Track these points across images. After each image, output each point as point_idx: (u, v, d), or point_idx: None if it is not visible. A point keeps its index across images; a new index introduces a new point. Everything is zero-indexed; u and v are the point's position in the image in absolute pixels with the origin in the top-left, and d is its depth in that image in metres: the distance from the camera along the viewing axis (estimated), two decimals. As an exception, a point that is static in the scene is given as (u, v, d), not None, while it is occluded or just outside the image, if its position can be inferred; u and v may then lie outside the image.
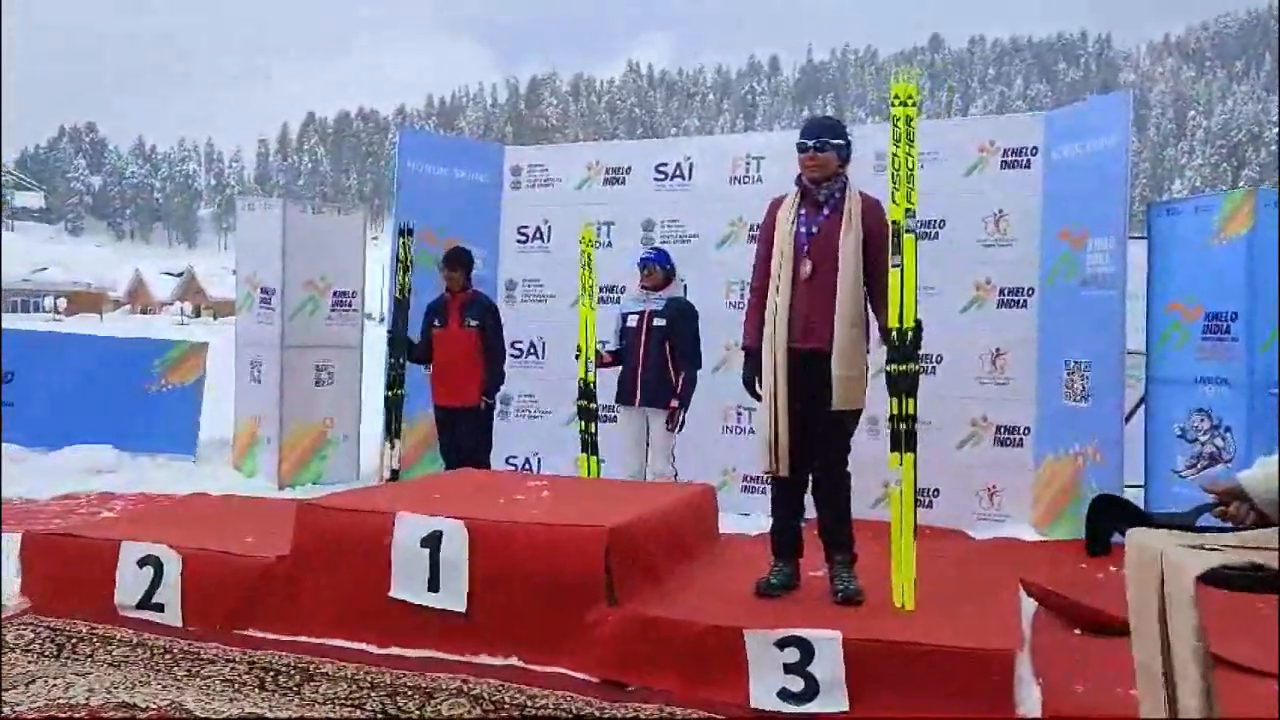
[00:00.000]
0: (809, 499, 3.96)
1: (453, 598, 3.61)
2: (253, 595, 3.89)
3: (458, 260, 6.30)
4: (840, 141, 3.88)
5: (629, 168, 7.25)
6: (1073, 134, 5.96)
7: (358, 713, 3.10)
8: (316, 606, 3.79)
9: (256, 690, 3.27)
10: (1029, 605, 4.05)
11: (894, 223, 3.70)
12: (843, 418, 3.80)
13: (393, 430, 6.50)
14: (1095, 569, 4.59)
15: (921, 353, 3.77)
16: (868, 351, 3.88)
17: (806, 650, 3.17)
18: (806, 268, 3.80)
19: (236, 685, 3.30)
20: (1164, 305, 5.74)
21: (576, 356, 5.83)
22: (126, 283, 79.67)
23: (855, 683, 3.12)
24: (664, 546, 4.03)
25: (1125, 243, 5.55)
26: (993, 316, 6.24)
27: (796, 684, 3.16)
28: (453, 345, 6.21)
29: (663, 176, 7.13)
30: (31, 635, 3.74)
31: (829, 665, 3.15)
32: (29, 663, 3.47)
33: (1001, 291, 6.25)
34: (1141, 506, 5.34)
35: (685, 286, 6.01)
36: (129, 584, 4.03)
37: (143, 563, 4.02)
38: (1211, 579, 1.97)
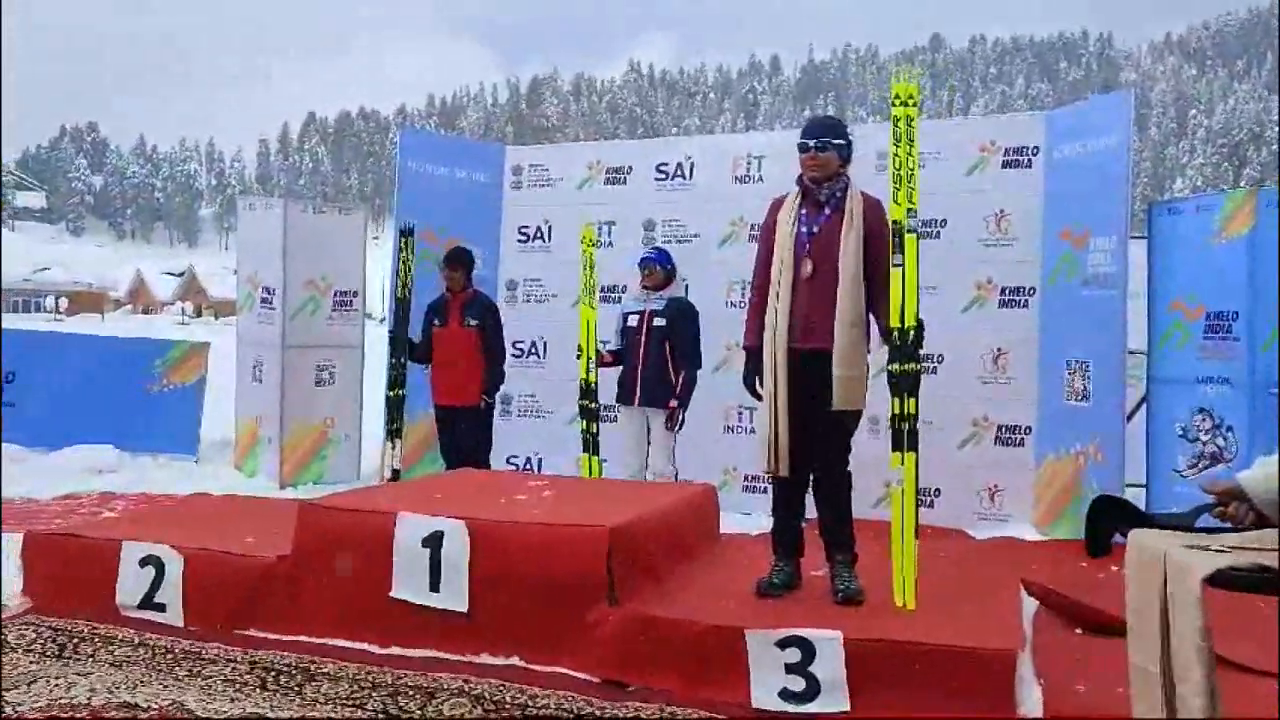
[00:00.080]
0: (810, 499, 3.96)
1: (454, 598, 3.61)
2: (254, 595, 3.89)
3: (458, 260, 6.30)
4: (841, 141, 3.88)
5: (630, 167, 7.25)
6: (1074, 133, 5.96)
7: (359, 712, 3.11)
8: (318, 606, 3.79)
9: (258, 690, 3.27)
10: (1030, 605, 4.06)
11: (895, 222, 3.70)
12: (843, 418, 3.80)
13: (394, 430, 6.51)
14: (1096, 569, 4.59)
15: (923, 352, 3.77)
16: (868, 351, 3.88)
17: (807, 650, 3.17)
18: (807, 268, 3.81)
19: (238, 685, 3.31)
20: (1165, 305, 5.74)
21: (578, 356, 5.83)
22: (128, 283, 79.72)
23: (856, 682, 3.12)
24: (665, 546, 4.03)
25: (1126, 242, 5.54)
26: (994, 316, 6.23)
27: (798, 684, 3.16)
28: (453, 344, 6.22)
29: (664, 176, 7.13)
30: (33, 635, 3.74)
31: (830, 665, 3.15)
32: (30, 663, 3.47)
33: (1003, 291, 6.24)
34: (1143, 506, 5.38)
35: (686, 286, 6.00)
36: (130, 584, 4.03)
37: (144, 563, 4.03)
38: (1215, 580, 1.97)
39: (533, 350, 7.41)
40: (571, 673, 3.42)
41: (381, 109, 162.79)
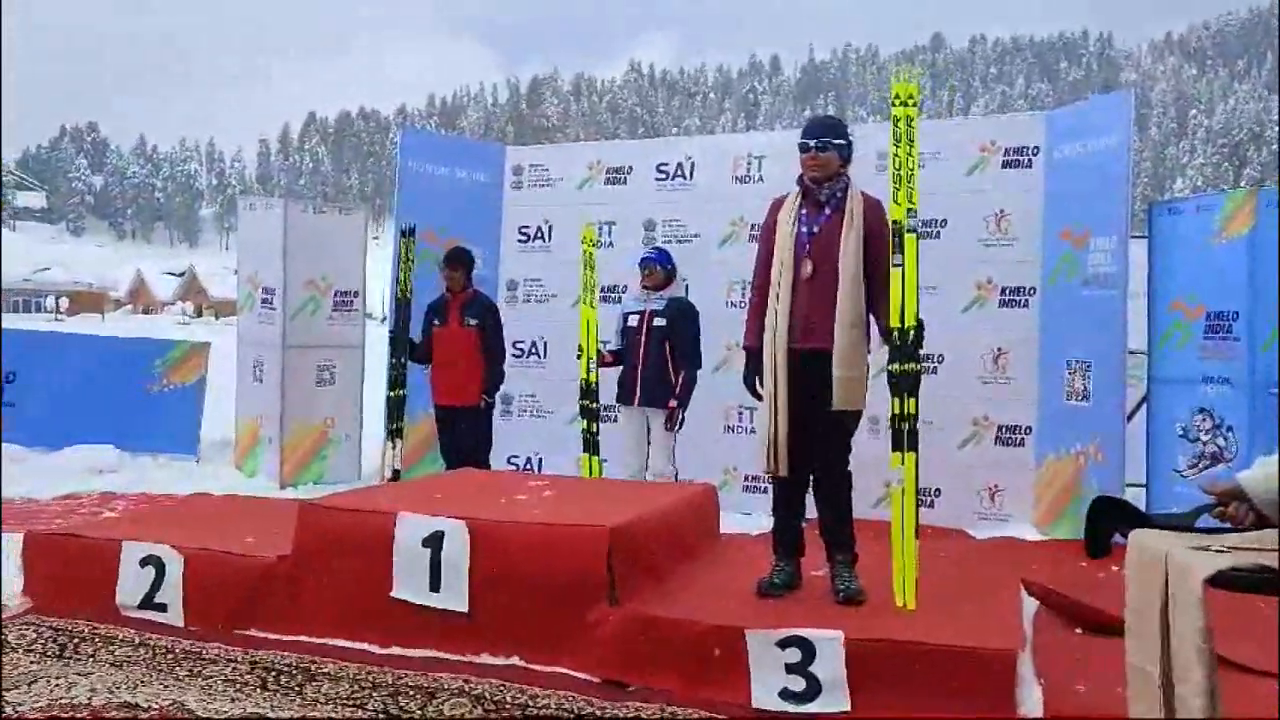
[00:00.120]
0: (810, 499, 3.96)
1: (454, 598, 3.62)
2: (254, 595, 3.89)
3: (458, 260, 6.31)
4: (842, 141, 3.88)
5: (630, 167, 7.25)
6: (1074, 133, 5.96)
7: (359, 712, 3.11)
8: (318, 606, 3.79)
9: (258, 690, 3.27)
10: (1030, 605, 4.06)
11: (895, 222, 3.70)
12: (843, 418, 3.80)
13: (394, 430, 6.51)
14: (1097, 568, 4.58)
15: (923, 352, 3.77)
16: (869, 351, 3.87)
17: (808, 650, 3.17)
18: (807, 268, 3.81)
19: (238, 685, 3.31)
20: (1166, 304, 5.74)
21: (578, 356, 5.84)
22: (128, 283, 79.75)
23: (857, 682, 3.13)
24: (665, 546, 4.03)
25: (1127, 242, 5.54)
26: (994, 316, 6.23)
27: (798, 684, 3.16)
28: (452, 344, 6.22)
29: (664, 176, 7.13)
30: (34, 635, 3.74)
31: (830, 665, 3.15)
32: (31, 663, 3.47)
33: (1003, 291, 6.24)
34: (1143, 506, 5.38)
35: (687, 286, 6.00)
36: (131, 584, 4.03)
37: (144, 563, 4.03)
38: (1217, 580, 1.97)
39: (533, 350, 7.41)
40: (572, 673, 3.42)
41: (382, 109, 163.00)
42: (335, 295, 7.49)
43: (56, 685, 3.25)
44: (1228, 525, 2.20)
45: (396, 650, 3.62)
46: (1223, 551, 2.05)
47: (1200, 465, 5.48)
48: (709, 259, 6.78)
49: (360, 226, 7.80)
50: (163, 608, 3.97)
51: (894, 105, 3.76)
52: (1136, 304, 5.72)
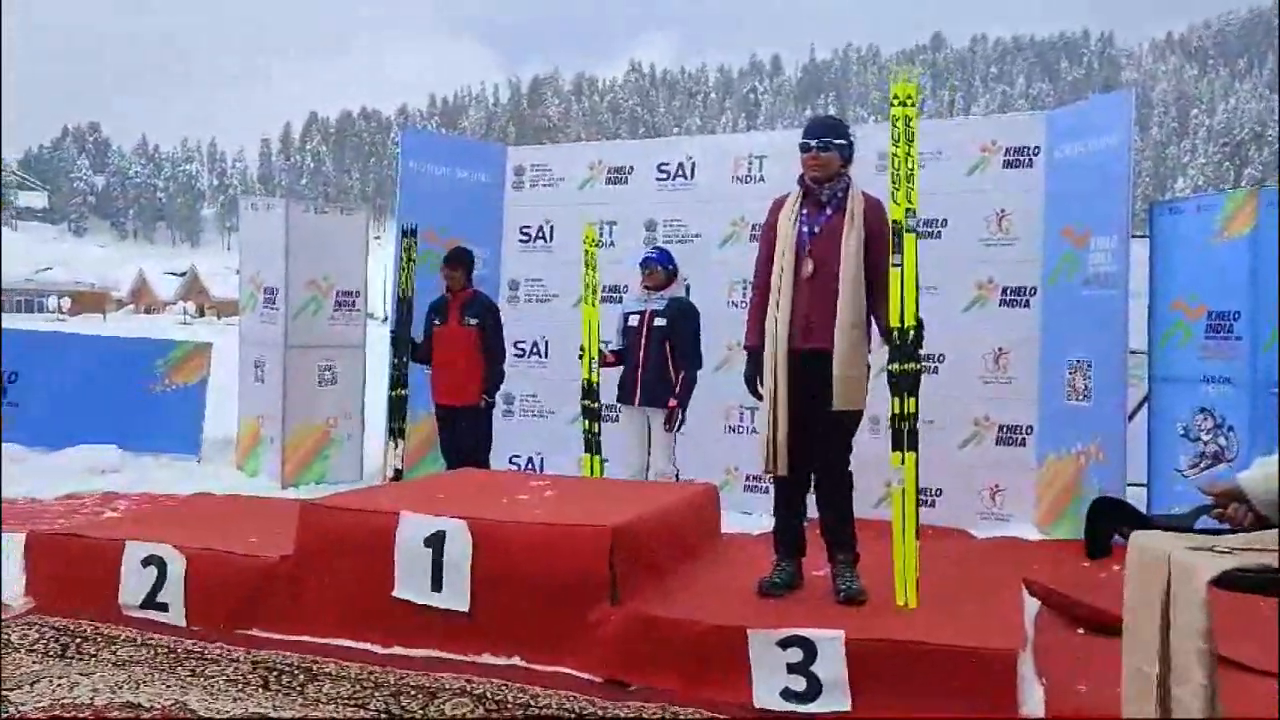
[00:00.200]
0: (811, 498, 3.96)
1: (456, 597, 3.62)
2: (256, 595, 3.90)
3: (458, 260, 6.31)
4: (843, 141, 3.88)
5: (631, 167, 7.25)
6: (1075, 133, 5.96)
7: (361, 712, 3.11)
8: (320, 606, 3.80)
9: (260, 690, 3.28)
10: (1032, 604, 4.06)
11: (894, 222, 3.70)
12: (844, 418, 3.80)
13: (396, 430, 6.51)
14: (1098, 568, 4.58)
15: (924, 352, 3.78)
16: (869, 351, 3.88)
17: (809, 650, 3.18)
18: (808, 268, 3.81)
19: (240, 685, 3.31)
20: (1167, 304, 5.74)
21: (580, 356, 5.84)
22: (130, 282, 79.84)
23: (858, 682, 3.13)
24: (666, 546, 4.03)
25: (1128, 242, 5.54)
26: (995, 316, 6.23)
27: (799, 683, 3.17)
28: (452, 343, 6.23)
29: (665, 176, 7.13)
30: (36, 635, 3.75)
31: (832, 665, 3.15)
32: (34, 662, 3.48)
33: (1004, 291, 6.24)
34: (1144, 506, 5.38)
35: (688, 286, 6.01)
36: (133, 584, 4.04)
37: (146, 562, 4.04)
38: (1220, 581, 1.97)
39: (534, 350, 7.41)
40: (573, 672, 3.43)
41: (383, 109, 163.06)
42: (337, 295, 7.50)
43: (59, 685, 3.25)
44: (1227, 526, 2.20)
45: (398, 650, 3.62)
46: (1226, 552, 2.04)
47: (1201, 465, 5.48)
48: (710, 259, 6.78)
49: (362, 226, 7.80)
50: (165, 607, 3.98)
51: (893, 105, 3.76)
52: (1138, 304, 5.72)
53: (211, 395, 8.35)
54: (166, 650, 3.64)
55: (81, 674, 3.37)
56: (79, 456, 7.55)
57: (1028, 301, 6.19)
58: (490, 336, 6.28)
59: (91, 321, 38.18)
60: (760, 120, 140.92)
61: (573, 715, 3.11)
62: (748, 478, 6.62)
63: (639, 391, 5.68)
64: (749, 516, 5.93)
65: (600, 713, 3.12)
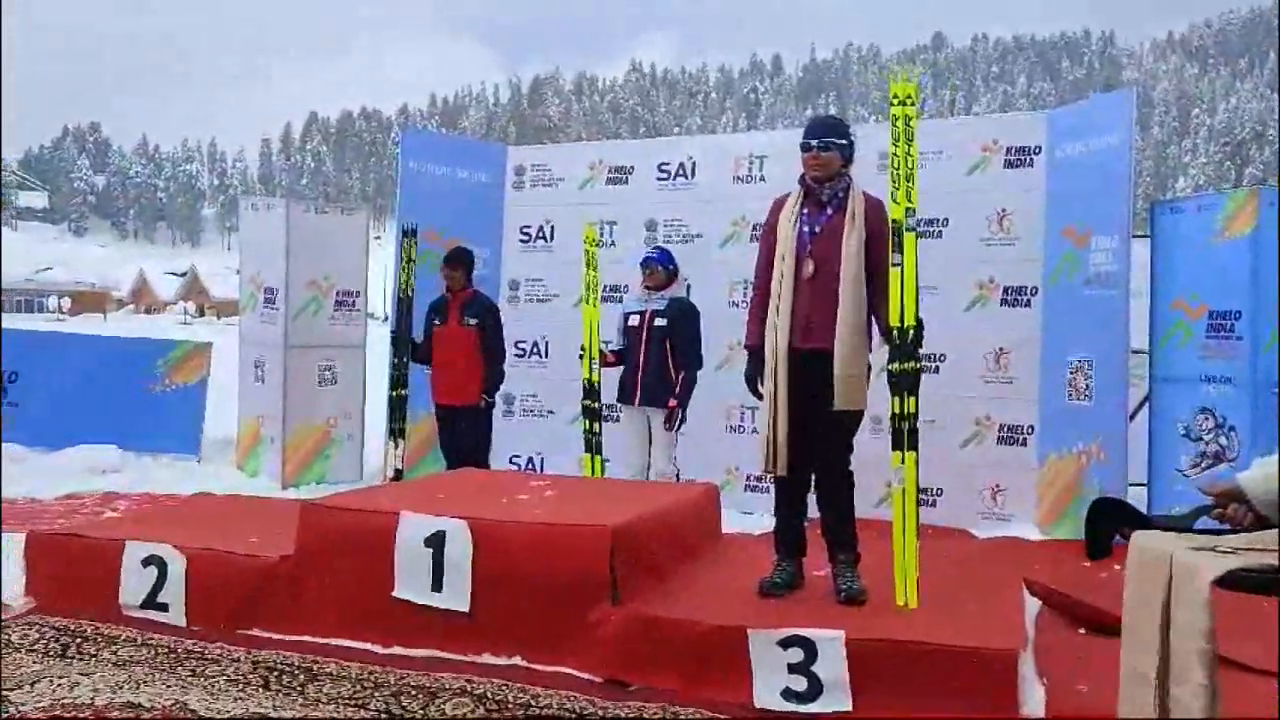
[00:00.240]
0: (812, 498, 3.96)
1: (456, 597, 3.62)
2: (256, 595, 3.90)
3: (458, 260, 6.31)
4: (843, 141, 3.88)
5: (632, 167, 7.25)
6: (1076, 132, 5.95)
7: (361, 712, 3.11)
8: (320, 606, 3.80)
9: (261, 690, 3.28)
10: (1033, 604, 4.05)
11: (894, 221, 3.70)
12: (844, 418, 3.80)
13: (396, 430, 6.51)
14: (1099, 568, 4.58)
15: (925, 352, 3.78)
16: (869, 351, 3.87)
17: (810, 650, 3.17)
18: (809, 268, 3.80)
19: (241, 685, 3.31)
20: (1168, 304, 5.74)
21: (580, 356, 5.84)
22: (130, 282, 79.88)
23: (859, 682, 3.13)
24: (667, 546, 4.03)
25: (1129, 241, 5.54)
26: (996, 315, 6.23)
27: (800, 683, 3.17)
28: (452, 343, 6.23)
29: (665, 176, 7.13)
30: (36, 635, 3.75)
31: (832, 665, 3.15)
32: (34, 662, 3.48)
33: (1005, 290, 6.24)
34: (1145, 506, 5.37)
35: (689, 286, 6.01)
36: (133, 584, 4.04)
37: (147, 562, 4.03)
38: (1224, 581, 1.97)
39: (535, 350, 7.41)
40: (574, 672, 3.43)
41: (383, 109, 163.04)
42: (337, 295, 7.50)
43: (59, 685, 3.25)
44: (1227, 526, 2.19)
45: (398, 650, 3.62)
46: (1228, 552, 2.04)
47: (1202, 464, 5.48)
48: (710, 259, 6.78)
49: (362, 226, 7.80)
50: (165, 607, 3.98)
51: (893, 105, 3.76)
52: (1139, 303, 5.72)
53: (212, 395, 8.35)
54: (167, 650, 3.64)
55: (82, 674, 3.37)
56: (79, 456, 7.55)
57: (1029, 301, 6.19)
58: (490, 336, 6.28)
59: (92, 321, 38.21)
60: (761, 120, 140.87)
61: (573, 715, 3.10)
62: (748, 478, 6.62)
63: (639, 391, 5.67)
64: (750, 516, 5.93)
65: (601, 713, 3.12)
